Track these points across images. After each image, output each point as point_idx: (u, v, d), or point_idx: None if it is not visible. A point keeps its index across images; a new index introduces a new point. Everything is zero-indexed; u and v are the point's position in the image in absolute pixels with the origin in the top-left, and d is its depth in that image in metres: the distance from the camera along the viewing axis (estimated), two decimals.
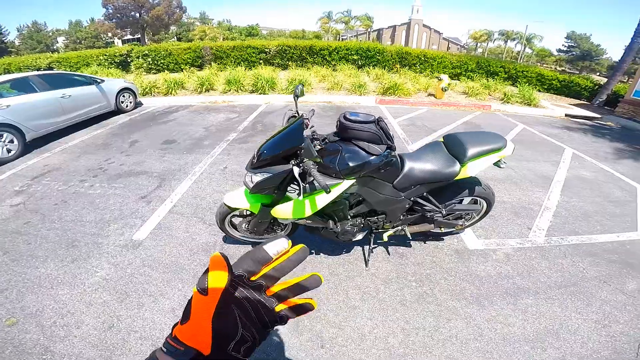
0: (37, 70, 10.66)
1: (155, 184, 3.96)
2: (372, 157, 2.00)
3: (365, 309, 2.25)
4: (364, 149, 2.01)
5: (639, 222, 3.50)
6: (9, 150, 4.87)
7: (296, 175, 1.75)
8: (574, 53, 45.44)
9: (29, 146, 5.24)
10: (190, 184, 3.96)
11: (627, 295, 2.44)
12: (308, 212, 2.06)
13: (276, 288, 0.44)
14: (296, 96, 2.30)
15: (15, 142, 4.97)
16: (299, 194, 1.80)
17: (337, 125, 2.12)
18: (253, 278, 0.43)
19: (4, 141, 4.82)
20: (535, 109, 9.24)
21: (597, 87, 11.74)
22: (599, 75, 35.83)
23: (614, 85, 11.22)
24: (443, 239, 2.98)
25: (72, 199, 3.66)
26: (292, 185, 2.12)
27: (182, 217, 3.28)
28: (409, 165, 2.22)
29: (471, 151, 2.25)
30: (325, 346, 1.98)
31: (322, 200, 2.03)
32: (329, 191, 1.60)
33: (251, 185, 1.99)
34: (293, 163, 1.84)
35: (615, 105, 10.31)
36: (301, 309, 0.45)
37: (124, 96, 7.55)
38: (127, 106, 7.66)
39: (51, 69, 11.88)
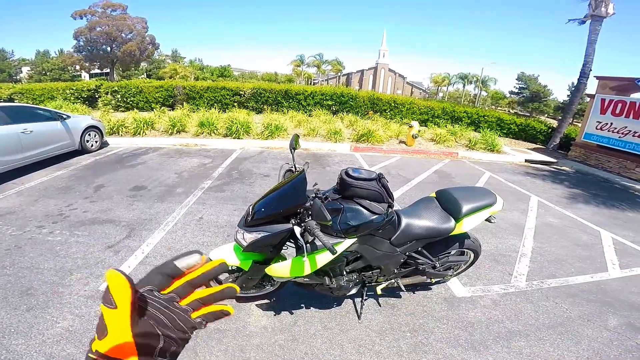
0: None
1: (124, 234, 3.67)
2: (375, 217, 1.98)
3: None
4: (366, 208, 1.98)
5: (608, 263, 3.74)
6: None
7: (298, 235, 1.70)
8: (524, 95, 48.73)
9: None
10: (164, 234, 3.71)
11: (611, 332, 2.55)
12: (307, 271, 1.97)
13: (189, 299, 0.44)
14: (293, 149, 2.26)
15: None
16: (301, 254, 1.72)
17: (338, 181, 2.09)
18: (164, 291, 0.43)
19: None
20: (498, 154, 9.87)
21: (550, 130, 12.64)
22: (547, 117, 38.86)
23: (566, 128, 12.01)
24: (431, 288, 2.99)
25: (28, 245, 3.31)
26: (287, 243, 2.04)
27: None
28: (405, 221, 2.24)
29: (465, 208, 2.33)
30: None
31: (323, 259, 1.96)
32: (335, 252, 1.55)
33: (244, 243, 1.89)
34: (293, 222, 1.78)
35: (568, 149, 10.96)
36: (217, 315, 0.46)
37: (89, 135, 7.09)
38: (92, 146, 7.18)
39: (12, 100, 11.17)
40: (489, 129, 11.95)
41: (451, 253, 2.61)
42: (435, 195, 2.60)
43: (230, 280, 2.39)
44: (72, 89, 12.16)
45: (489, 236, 4.19)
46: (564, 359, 2.25)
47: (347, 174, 2.03)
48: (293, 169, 2.23)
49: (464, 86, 55.69)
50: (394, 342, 2.33)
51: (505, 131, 13.19)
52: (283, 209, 1.83)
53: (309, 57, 49.19)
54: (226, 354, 2.15)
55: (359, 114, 13.03)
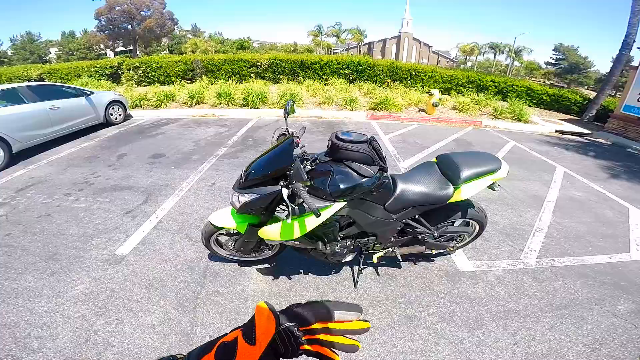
0: (28, 81, 10.54)
1: (142, 199, 3.89)
2: (364, 180, 1.94)
3: None
4: (355, 171, 1.95)
5: (631, 243, 3.48)
6: None
7: (285, 197, 1.70)
8: (562, 66, 45.61)
9: (15, 158, 5.13)
10: (177, 199, 3.88)
11: (619, 318, 2.40)
12: (297, 234, 1.99)
13: (314, 334, 0.45)
14: (286, 113, 2.25)
15: (2, 153, 4.86)
16: (287, 216, 1.74)
17: (328, 144, 2.06)
18: (302, 328, 0.45)
19: None
20: (525, 124, 9.31)
21: (586, 101, 11.73)
22: (587, 89, 36.20)
23: (604, 100, 11.14)
24: (433, 260, 2.94)
25: (56, 212, 3.59)
26: (280, 205, 2.06)
27: (167, 233, 3.21)
28: (401, 187, 2.17)
29: (465, 173, 2.20)
30: None
31: (312, 222, 1.96)
32: (319, 215, 1.55)
33: (238, 205, 1.94)
34: (282, 184, 1.79)
35: (605, 121, 10.19)
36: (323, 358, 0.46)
37: (113, 108, 7.50)
38: (116, 119, 7.60)
39: (42, 80, 11.79)
40: (517, 99, 11.19)
41: (452, 223, 2.52)
42: (436, 160, 2.47)
43: (230, 243, 2.47)
44: (97, 67, 12.65)
45: (503, 207, 4.03)
46: (559, 344, 2.16)
47: (336, 136, 1.99)
48: (286, 132, 2.22)
49: (495, 56, 52.02)
50: (386, 313, 2.34)
51: (535, 101, 12.34)
52: (271, 171, 1.85)
53: (327, 28, 47.39)
54: (222, 315, 2.26)
55: (377, 83, 12.59)
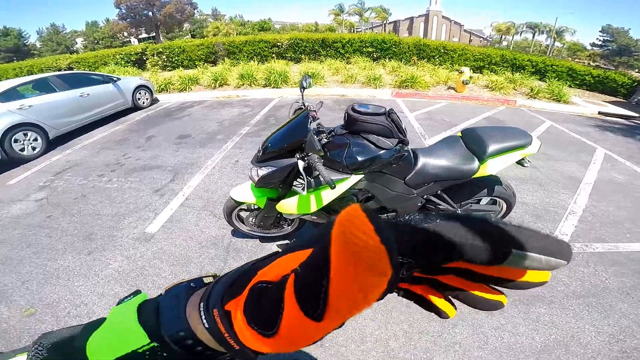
0: (58, 71, 11.03)
1: (169, 178, 4.04)
2: (382, 152, 1.89)
3: (369, 310, 2.16)
4: (373, 143, 1.91)
5: None
6: (33, 148, 5.08)
7: (300, 169, 1.72)
8: (610, 48, 42.57)
9: (52, 144, 5.44)
10: (203, 177, 4.01)
11: None
12: (313, 207, 2.00)
13: (440, 274, 0.26)
14: (302, 88, 2.24)
15: (39, 140, 5.17)
16: (303, 189, 1.76)
17: (345, 117, 2.01)
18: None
19: (29, 139, 5.02)
20: (565, 105, 8.69)
21: (635, 83, 10.85)
22: (638, 72, 33.45)
23: None
24: None
25: (91, 194, 3.79)
26: (298, 179, 2.06)
27: (193, 210, 3.33)
28: (422, 160, 2.09)
29: (492, 147, 2.07)
30: (324, 345, 1.95)
31: (328, 195, 1.96)
32: (334, 186, 1.55)
33: (256, 178, 1.97)
34: (298, 157, 1.80)
35: None
36: (433, 309, 0.28)
37: (140, 93, 7.72)
38: (143, 103, 7.85)
39: (71, 69, 12.22)
40: (557, 79, 10.39)
41: (478, 201, 2.41)
42: (461, 135, 2.35)
43: (251, 218, 2.51)
44: (122, 54, 12.95)
45: (535, 188, 3.83)
46: (583, 332, 2.06)
47: (353, 108, 1.95)
48: (303, 106, 2.22)
49: (533, 36, 48.62)
50: None
51: (577, 82, 11.47)
52: (287, 144, 1.86)
53: (349, 6, 45.52)
54: None
55: (403, 61, 12.15)
